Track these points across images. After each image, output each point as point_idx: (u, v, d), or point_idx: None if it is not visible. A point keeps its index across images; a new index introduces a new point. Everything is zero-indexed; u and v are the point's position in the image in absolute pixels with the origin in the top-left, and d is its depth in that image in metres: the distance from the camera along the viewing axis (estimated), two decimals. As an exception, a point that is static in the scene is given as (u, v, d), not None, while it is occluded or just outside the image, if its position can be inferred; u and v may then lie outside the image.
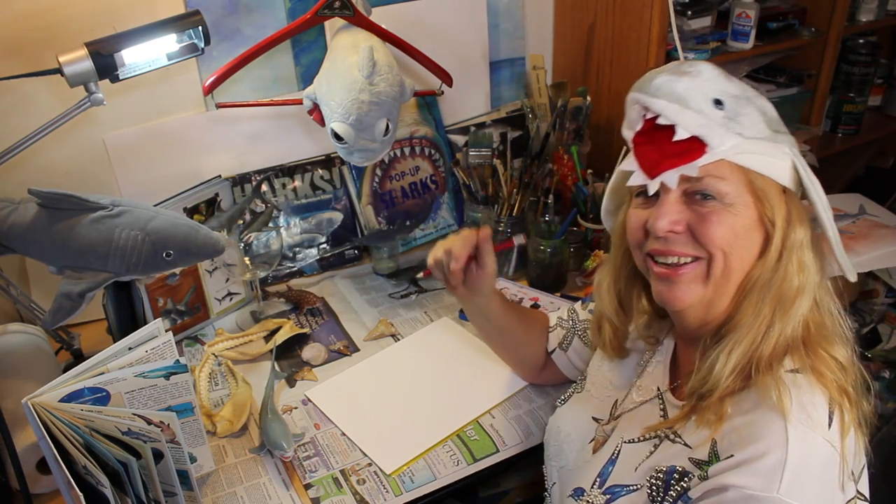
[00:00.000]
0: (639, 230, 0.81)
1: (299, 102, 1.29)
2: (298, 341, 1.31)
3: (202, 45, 1.15)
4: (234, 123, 1.44)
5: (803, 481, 0.68)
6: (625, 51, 1.55)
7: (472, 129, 1.62)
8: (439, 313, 1.39)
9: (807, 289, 0.76)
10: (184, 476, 0.94)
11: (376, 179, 1.53)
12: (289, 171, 1.48)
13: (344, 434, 1.11)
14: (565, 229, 1.40)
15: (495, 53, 1.66)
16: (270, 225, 1.40)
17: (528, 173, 1.47)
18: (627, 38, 1.53)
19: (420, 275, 1.43)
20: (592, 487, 0.85)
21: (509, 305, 1.14)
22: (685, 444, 0.77)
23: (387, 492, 1.02)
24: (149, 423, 0.87)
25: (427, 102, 1.58)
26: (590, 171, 1.53)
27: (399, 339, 1.32)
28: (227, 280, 1.37)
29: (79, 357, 1.25)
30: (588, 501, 0.84)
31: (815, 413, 0.71)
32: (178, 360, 0.93)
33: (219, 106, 1.36)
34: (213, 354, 1.26)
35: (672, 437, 0.79)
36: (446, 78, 1.45)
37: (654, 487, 0.77)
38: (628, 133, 0.80)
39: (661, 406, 0.87)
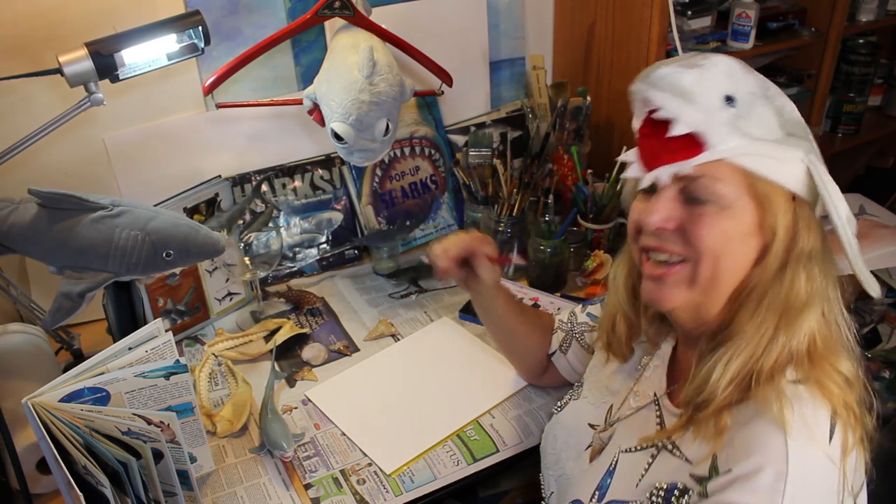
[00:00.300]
0: (635, 223, 0.80)
1: (299, 102, 1.29)
2: (298, 341, 1.31)
3: (202, 45, 1.15)
4: (234, 123, 1.44)
5: (804, 498, 0.66)
6: (625, 51, 1.55)
7: (472, 129, 1.62)
8: (439, 313, 1.39)
9: (815, 301, 0.72)
10: (184, 476, 0.94)
11: (376, 179, 1.53)
12: (289, 171, 1.48)
13: (344, 434, 1.11)
14: (565, 229, 1.40)
15: (495, 53, 1.66)
16: (270, 225, 1.40)
17: (528, 173, 1.47)
18: (627, 38, 1.53)
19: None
20: (591, 501, 0.84)
21: (515, 306, 1.13)
22: (686, 459, 0.75)
23: (387, 492, 1.02)
24: (149, 423, 0.87)
25: (427, 102, 1.58)
26: (590, 171, 1.53)
27: (399, 339, 1.32)
28: (227, 280, 1.37)
29: (79, 357, 1.24)
30: None
31: (816, 427, 0.69)
32: (178, 360, 0.93)
33: (219, 106, 1.36)
34: (213, 354, 1.26)
35: (670, 447, 0.78)
36: (446, 78, 1.45)
37: None
38: (635, 123, 0.78)
39: (658, 412, 0.84)
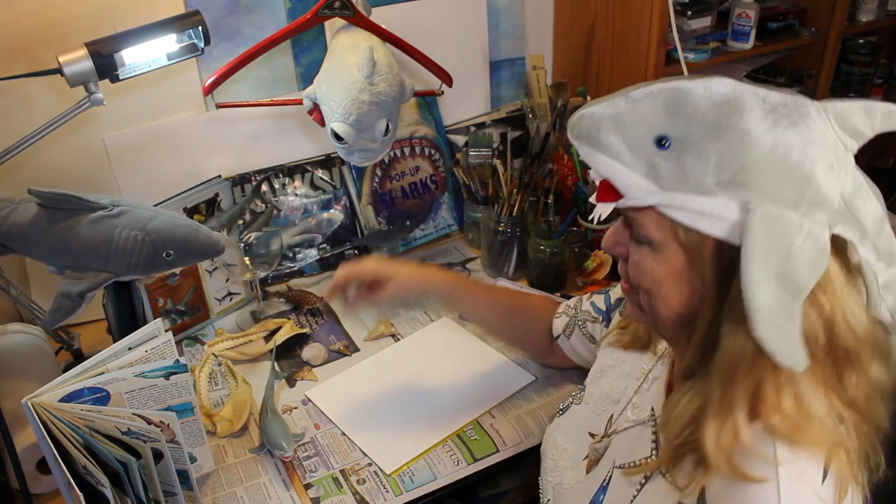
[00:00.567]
0: None
1: (299, 102, 1.29)
2: (298, 341, 1.31)
3: (202, 45, 1.15)
4: (234, 123, 1.44)
5: None
6: (625, 51, 1.55)
7: (472, 129, 1.62)
8: (439, 313, 1.39)
9: (759, 362, 0.63)
10: (184, 476, 0.94)
11: (376, 179, 1.53)
12: (289, 171, 1.49)
13: (344, 434, 1.11)
14: (565, 229, 1.40)
15: (495, 53, 1.66)
16: (270, 225, 1.40)
17: (528, 173, 1.47)
18: (627, 38, 1.53)
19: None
20: None
21: (492, 305, 1.16)
22: (676, 486, 0.72)
23: (387, 492, 1.02)
24: (149, 423, 0.87)
25: (427, 102, 1.58)
26: (590, 170, 1.53)
27: (399, 339, 1.32)
28: (227, 280, 1.37)
29: (79, 357, 1.24)
30: None
31: (808, 468, 0.65)
32: (178, 360, 0.93)
33: (219, 106, 1.36)
34: (213, 354, 1.26)
35: (663, 471, 0.75)
36: (446, 78, 1.45)
37: None
38: None
39: (654, 430, 0.81)
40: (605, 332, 1.03)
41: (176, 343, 1.06)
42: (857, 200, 0.64)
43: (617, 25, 1.55)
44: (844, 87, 1.96)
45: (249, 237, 1.33)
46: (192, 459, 1.00)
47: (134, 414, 0.87)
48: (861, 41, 1.93)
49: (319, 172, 1.50)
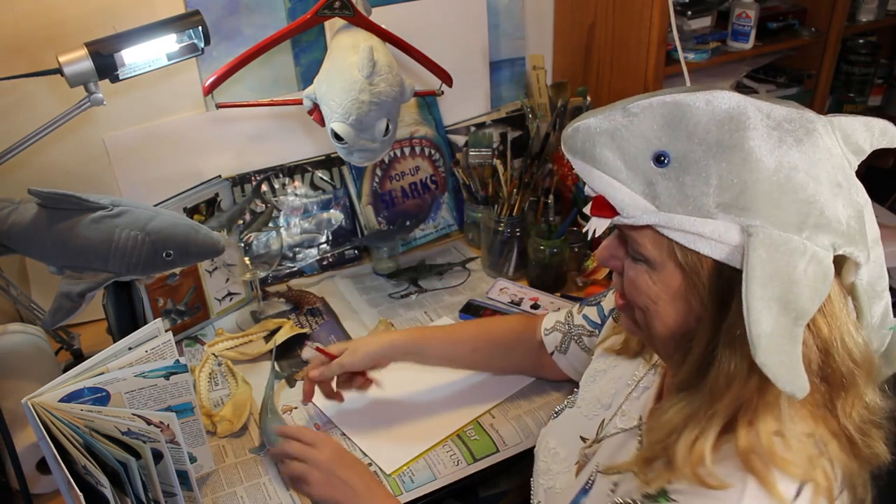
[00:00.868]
0: None
1: (299, 102, 1.29)
2: (298, 341, 1.31)
3: (202, 45, 1.15)
4: (234, 123, 1.44)
5: None
6: (625, 51, 1.55)
7: (472, 129, 1.62)
8: (439, 313, 1.39)
9: (746, 383, 0.62)
10: (183, 476, 0.94)
11: (376, 179, 1.53)
12: (289, 171, 1.49)
13: (344, 434, 1.11)
14: (565, 229, 1.40)
15: (495, 53, 1.66)
16: (270, 225, 1.40)
17: (528, 173, 1.47)
18: (627, 38, 1.53)
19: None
20: None
21: (458, 343, 1.15)
22: (645, 481, 0.70)
23: (387, 492, 1.02)
24: (148, 423, 0.87)
25: (427, 102, 1.58)
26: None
27: (399, 339, 1.32)
28: (227, 280, 1.37)
29: (79, 357, 1.24)
30: None
31: (781, 483, 0.62)
32: (178, 360, 0.93)
33: (219, 106, 1.36)
34: (213, 354, 1.26)
35: (635, 469, 0.73)
36: (446, 78, 1.45)
37: None
38: None
39: (640, 439, 0.81)
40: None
41: (176, 343, 1.06)
42: (863, 220, 0.63)
43: (617, 25, 1.55)
44: (844, 87, 1.96)
45: (249, 237, 1.33)
46: (192, 459, 1.00)
47: (134, 414, 0.87)
48: (861, 41, 1.93)
49: (319, 172, 1.51)
